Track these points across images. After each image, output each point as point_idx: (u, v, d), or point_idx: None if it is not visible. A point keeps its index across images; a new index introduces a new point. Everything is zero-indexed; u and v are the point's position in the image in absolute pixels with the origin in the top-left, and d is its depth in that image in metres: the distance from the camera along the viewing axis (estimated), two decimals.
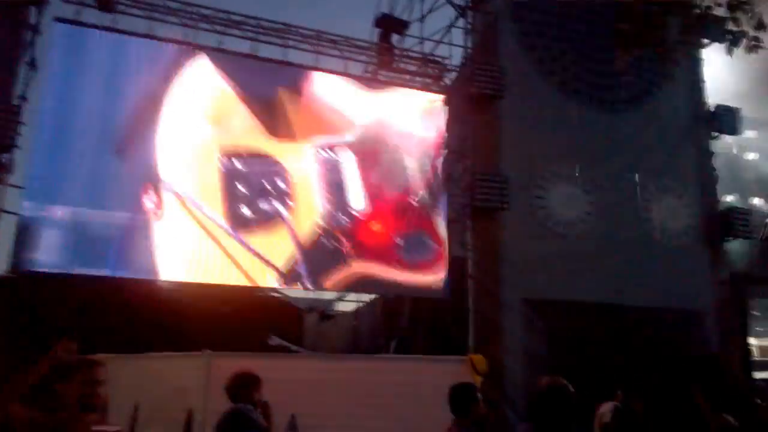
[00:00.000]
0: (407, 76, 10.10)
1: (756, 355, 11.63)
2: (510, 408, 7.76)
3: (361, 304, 11.25)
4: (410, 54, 10.25)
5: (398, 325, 9.70)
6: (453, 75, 10.28)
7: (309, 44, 9.41)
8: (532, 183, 9.46)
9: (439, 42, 10.48)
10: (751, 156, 13.44)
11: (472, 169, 9.20)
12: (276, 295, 9.40)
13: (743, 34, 4.43)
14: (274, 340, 8.49)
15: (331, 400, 6.35)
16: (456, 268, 8.98)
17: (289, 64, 9.11)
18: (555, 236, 9.31)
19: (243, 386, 3.48)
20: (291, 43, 9.25)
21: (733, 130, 11.01)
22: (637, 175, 10.07)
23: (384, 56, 9.83)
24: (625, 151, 10.01)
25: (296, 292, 9.27)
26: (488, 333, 8.49)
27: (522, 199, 9.20)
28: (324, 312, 10.66)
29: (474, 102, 9.38)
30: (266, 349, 7.85)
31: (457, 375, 5.68)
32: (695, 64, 11.12)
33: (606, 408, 5.72)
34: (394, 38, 10.05)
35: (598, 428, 5.71)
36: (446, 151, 9.56)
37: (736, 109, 10.95)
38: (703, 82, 11.12)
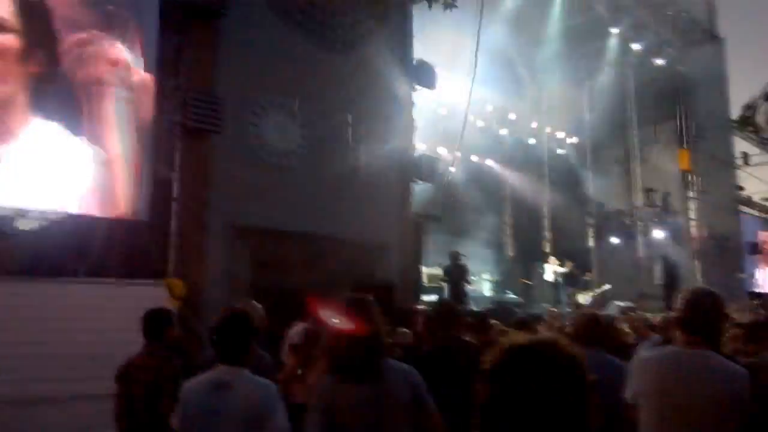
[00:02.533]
0: None
1: (425, 281, 13.68)
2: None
3: (45, 223, 9.96)
4: None
5: (89, 246, 8.86)
6: None
7: None
8: (247, 109, 9.35)
9: None
10: (442, 110, 15.33)
11: (185, 86, 8.67)
12: None
13: None
14: None
15: (10, 328, 5.71)
16: (160, 189, 8.49)
17: None
18: (266, 165, 9.41)
19: None
20: None
21: (430, 84, 12.34)
22: (349, 116, 10.63)
23: None
24: (340, 91, 10.45)
25: None
26: (190, 257, 8.32)
27: (236, 125, 9.05)
28: None
29: (189, 14, 8.73)
30: None
31: (153, 300, 5.50)
32: (405, 17, 12.05)
33: (296, 329, 6.07)
34: None
35: (288, 347, 6.04)
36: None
37: (434, 64, 12.27)
38: (411, 36, 12.15)
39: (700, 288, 2.99)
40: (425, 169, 11.98)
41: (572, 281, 14.76)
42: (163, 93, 8.78)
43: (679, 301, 2.87)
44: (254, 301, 4.74)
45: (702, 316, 2.77)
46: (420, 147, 12.99)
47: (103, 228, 8.14)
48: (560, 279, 14.66)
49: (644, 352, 2.97)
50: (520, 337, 1.60)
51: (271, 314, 4.87)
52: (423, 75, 12.07)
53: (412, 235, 11.74)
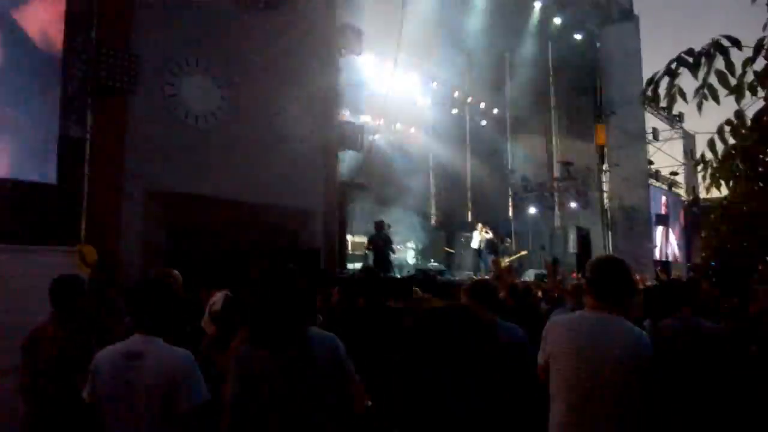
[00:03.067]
0: None
1: (349, 249, 13.72)
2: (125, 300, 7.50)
3: None
4: None
5: None
6: None
7: None
8: (165, 68, 8.93)
9: None
10: (367, 76, 15.19)
11: (98, 40, 8.14)
12: None
13: None
14: None
15: None
16: (71, 150, 8.00)
17: None
18: (186, 128, 9.06)
19: None
20: None
21: (357, 51, 12.17)
22: (274, 79, 10.35)
23: None
24: (264, 53, 10.14)
25: None
26: (104, 223, 7.93)
27: (153, 84, 8.63)
28: None
29: None
30: None
31: (63, 267, 5.23)
32: None
33: (218, 296, 5.93)
34: None
35: (208, 315, 5.90)
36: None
37: (360, 30, 12.10)
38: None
39: (608, 256, 3.13)
40: (350, 136, 11.90)
41: (494, 249, 15.18)
42: (73, 47, 8.22)
43: (588, 269, 2.98)
44: (172, 269, 4.57)
45: (609, 283, 2.88)
46: (345, 114, 12.86)
47: (6, 191, 7.60)
48: (483, 247, 15.04)
49: (556, 317, 3.07)
50: (436, 303, 1.63)
51: (190, 282, 4.73)
52: (349, 40, 11.89)
53: (338, 202, 11.70)
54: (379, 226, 12.64)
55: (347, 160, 12.57)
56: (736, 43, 1.88)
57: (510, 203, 20.89)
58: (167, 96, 8.91)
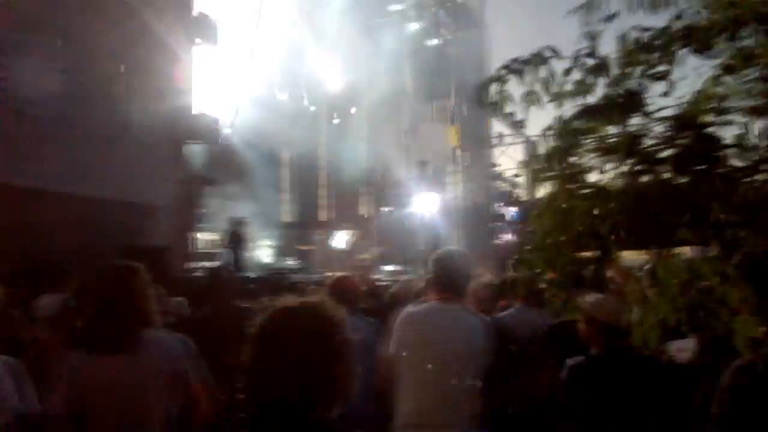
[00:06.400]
0: None
1: (200, 247, 13.17)
2: None
3: None
4: None
5: None
6: None
7: None
8: None
9: None
10: (224, 68, 14.66)
11: None
12: None
13: None
14: None
15: None
16: None
17: None
18: (18, 114, 8.20)
19: None
20: None
21: (212, 40, 11.74)
22: (121, 66, 9.69)
23: None
24: (110, 37, 9.42)
25: None
26: None
27: None
28: None
29: None
30: None
31: None
32: None
33: (49, 300, 5.46)
34: None
35: (41, 320, 5.43)
36: None
37: (215, 21, 11.69)
38: None
39: (449, 250, 3.27)
40: (202, 128, 11.43)
41: (352, 246, 15.33)
42: None
43: (431, 263, 3.11)
44: None
45: (451, 275, 3.02)
46: (198, 106, 12.32)
47: None
48: (343, 244, 15.14)
49: (404, 309, 3.17)
50: (288, 300, 1.60)
51: (15, 284, 4.26)
52: (204, 29, 11.43)
53: (187, 197, 11.19)
54: (235, 222, 12.26)
55: (199, 153, 12.05)
56: (557, 53, 2.05)
57: (367, 201, 21.25)
58: None
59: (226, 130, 13.25)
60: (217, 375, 2.65)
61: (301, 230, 18.77)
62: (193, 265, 11.32)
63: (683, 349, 3.80)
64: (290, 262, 16.11)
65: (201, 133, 11.39)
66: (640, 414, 2.66)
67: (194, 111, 11.78)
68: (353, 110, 20.92)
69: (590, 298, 2.92)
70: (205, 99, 13.16)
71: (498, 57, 22.26)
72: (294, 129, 19.02)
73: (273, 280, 7.53)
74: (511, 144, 24.15)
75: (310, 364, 1.50)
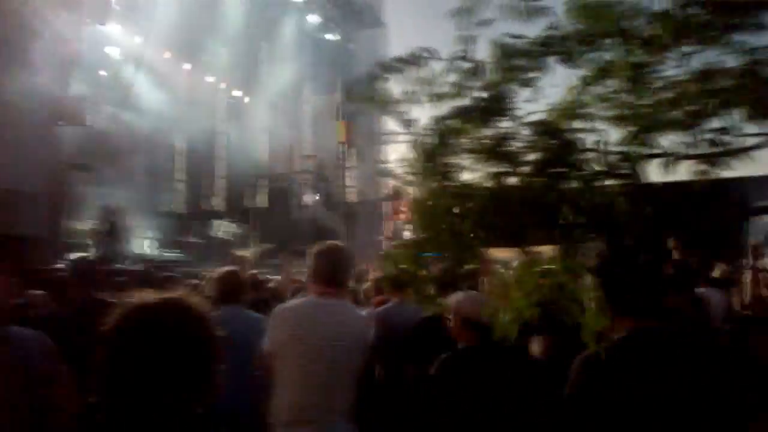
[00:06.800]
0: None
1: (75, 237, 12.26)
2: None
3: None
4: None
5: None
6: None
7: None
8: None
9: None
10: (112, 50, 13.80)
11: None
12: None
13: None
14: None
15: None
16: None
17: None
18: None
19: None
20: None
21: (101, 20, 11.04)
22: None
23: None
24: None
25: None
26: None
27: None
28: None
29: None
30: None
31: None
32: None
33: None
34: None
35: None
36: None
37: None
38: None
39: (330, 244, 3.18)
40: (79, 112, 10.65)
41: (239, 240, 14.96)
42: None
43: (311, 257, 3.05)
44: None
45: (331, 269, 2.98)
46: (78, 87, 11.44)
47: None
48: (229, 237, 14.73)
49: (281, 304, 3.11)
50: (145, 296, 1.52)
51: None
52: (91, 6, 10.66)
53: (59, 184, 10.40)
54: (108, 212, 11.50)
55: (72, 137, 11.21)
56: (434, 54, 2.09)
57: (259, 193, 20.82)
58: None
59: (111, 112, 12.48)
60: (76, 375, 2.49)
61: (188, 221, 18.03)
62: (65, 256, 10.55)
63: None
64: (174, 254, 15.44)
65: (78, 117, 10.58)
66: (507, 405, 2.78)
67: (72, 93, 10.94)
68: (246, 99, 20.42)
69: (456, 294, 3.03)
70: (88, 79, 12.30)
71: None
72: (189, 116, 18.25)
73: (145, 274, 7.15)
74: (401, 142, 24.58)
75: (168, 361, 1.43)
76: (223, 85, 19.54)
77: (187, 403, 1.46)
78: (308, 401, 2.78)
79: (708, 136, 2.01)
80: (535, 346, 3.63)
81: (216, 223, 15.11)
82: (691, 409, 1.84)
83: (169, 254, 15.35)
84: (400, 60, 2.08)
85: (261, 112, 20.78)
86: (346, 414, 2.83)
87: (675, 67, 2.21)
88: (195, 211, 18.81)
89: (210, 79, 18.61)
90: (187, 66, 17.50)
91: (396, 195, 21.95)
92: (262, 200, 20.45)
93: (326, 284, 2.95)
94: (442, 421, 2.82)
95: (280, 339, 2.87)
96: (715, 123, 2.00)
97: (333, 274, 2.97)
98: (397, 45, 23.49)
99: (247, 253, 13.98)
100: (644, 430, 1.86)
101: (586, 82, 2.21)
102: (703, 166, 2.04)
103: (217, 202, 19.61)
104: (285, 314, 2.94)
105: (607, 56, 2.26)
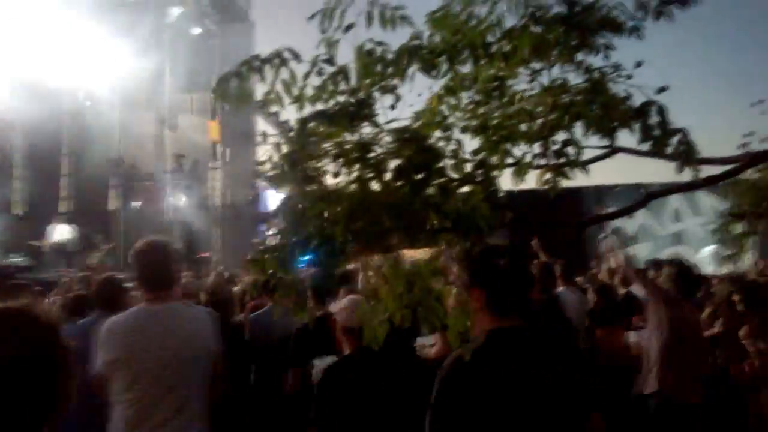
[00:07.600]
0: None
1: None
2: None
3: None
4: None
5: None
6: None
7: None
8: None
9: None
10: None
11: None
12: None
13: None
14: None
15: None
16: None
17: None
18: None
19: None
20: None
21: None
22: None
23: None
24: None
25: None
26: None
27: None
28: None
29: None
30: None
31: None
32: None
33: None
34: None
35: None
36: None
37: None
38: None
39: (149, 241, 2.87)
40: None
41: (85, 244, 13.95)
42: None
43: (131, 259, 2.77)
44: None
45: (157, 269, 2.75)
46: None
47: None
48: (70, 242, 13.67)
49: (110, 319, 2.78)
50: None
51: None
52: None
53: None
54: None
55: None
56: (297, 56, 2.06)
57: (114, 194, 19.41)
58: None
59: None
60: None
61: (35, 224, 16.47)
62: None
63: (427, 345, 4.15)
64: (18, 259, 14.08)
65: None
66: (391, 409, 2.79)
67: None
68: (104, 95, 19.00)
69: (340, 301, 3.02)
70: None
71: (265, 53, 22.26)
72: (29, 113, 16.62)
73: None
74: (270, 144, 24.20)
75: (8, 377, 1.29)
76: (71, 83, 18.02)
77: (32, 423, 1.33)
78: (156, 413, 2.58)
79: (555, 147, 2.15)
80: (425, 349, 3.71)
81: (50, 227, 13.98)
82: (546, 408, 1.90)
83: (14, 259, 14.00)
84: (261, 59, 2.02)
85: (112, 109, 19.38)
86: (200, 420, 2.70)
87: (528, 82, 2.36)
88: (46, 211, 17.22)
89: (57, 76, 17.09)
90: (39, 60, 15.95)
91: (258, 198, 21.55)
92: (121, 201, 19.09)
93: (153, 289, 2.71)
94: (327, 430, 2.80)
95: (111, 358, 2.61)
96: (561, 136, 2.14)
97: (159, 275, 2.73)
98: (266, 44, 23.21)
99: (93, 257, 13.14)
100: (504, 430, 1.90)
101: (445, 92, 2.29)
102: (549, 176, 2.18)
103: (69, 203, 18.04)
104: (113, 328, 2.66)
105: (465, 69, 2.36)
